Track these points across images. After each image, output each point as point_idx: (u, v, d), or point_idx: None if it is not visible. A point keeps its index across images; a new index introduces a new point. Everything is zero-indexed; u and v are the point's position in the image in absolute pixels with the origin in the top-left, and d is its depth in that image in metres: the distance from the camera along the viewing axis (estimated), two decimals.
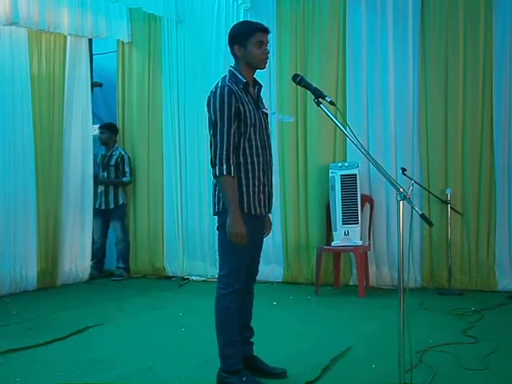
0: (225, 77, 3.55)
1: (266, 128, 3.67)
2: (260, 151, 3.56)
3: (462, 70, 6.61)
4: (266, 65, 3.62)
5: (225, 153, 3.39)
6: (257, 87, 3.66)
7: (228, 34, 3.63)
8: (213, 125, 3.44)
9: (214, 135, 3.43)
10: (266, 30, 3.56)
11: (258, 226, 3.67)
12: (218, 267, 3.73)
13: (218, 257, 3.71)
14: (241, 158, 3.48)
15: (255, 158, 3.53)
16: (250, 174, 3.51)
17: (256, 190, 3.55)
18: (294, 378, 3.82)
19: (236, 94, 3.44)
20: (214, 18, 7.63)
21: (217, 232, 3.64)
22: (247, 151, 3.50)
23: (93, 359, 4.30)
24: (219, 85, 3.47)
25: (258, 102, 3.64)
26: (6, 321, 5.49)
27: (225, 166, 3.39)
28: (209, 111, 3.47)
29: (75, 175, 7.64)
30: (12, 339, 4.79)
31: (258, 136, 3.55)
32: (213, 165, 3.44)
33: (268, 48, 3.58)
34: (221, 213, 3.53)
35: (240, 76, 3.54)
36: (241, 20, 7.34)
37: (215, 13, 7.63)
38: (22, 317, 5.67)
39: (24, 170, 6.95)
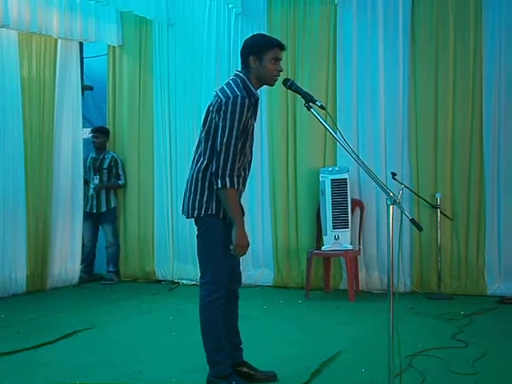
0: (237, 82, 3.49)
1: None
2: (247, 166, 3.59)
3: (452, 73, 6.64)
4: (275, 83, 3.60)
5: (230, 165, 3.37)
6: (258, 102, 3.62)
7: (244, 42, 3.60)
8: (221, 133, 3.37)
9: (221, 144, 3.36)
10: (283, 48, 3.56)
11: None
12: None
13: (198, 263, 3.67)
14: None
15: (242, 172, 3.54)
16: (236, 186, 3.47)
17: (239, 199, 3.56)
18: (284, 382, 3.82)
19: (250, 108, 3.42)
20: (205, 21, 7.63)
21: (196, 239, 3.63)
22: (238, 164, 3.48)
23: (82, 363, 4.29)
24: (238, 93, 3.39)
25: (255, 117, 3.61)
26: None
27: (230, 179, 3.37)
28: (220, 116, 3.39)
29: (65, 178, 7.62)
30: (1, 343, 4.76)
31: (248, 150, 3.56)
32: (215, 175, 3.39)
33: (282, 66, 3.56)
34: (202, 219, 3.52)
35: (253, 89, 3.51)
36: (232, 24, 7.44)
37: (206, 16, 7.63)
38: (11, 320, 5.65)
39: (13, 172, 6.92)
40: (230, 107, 3.36)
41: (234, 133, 3.36)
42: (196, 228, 3.64)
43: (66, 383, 3.85)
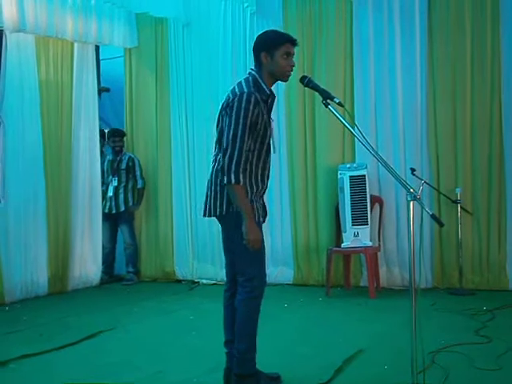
0: (247, 80, 3.49)
1: (271, 139, 3.65)
2: (266, 165, 3.59)
3: (469, 68, 6.58)
4: (289, 78, 3.60)
5: (235, 161, 3.36)
6: (271, 98, 3.60)
7: (256, 39, 3.60)
8: (227, 129, 3.39)
9: (227, 140, 3.38)
10: (294, 43, 3.55)
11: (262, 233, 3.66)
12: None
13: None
14: (247, 166, 3.46)
15: (260, 170, 3.54)
16: (254, 184, 3.51)
17: (258, 198, 3.56)
18: (307, 379, 3.82)
19: (259, 104, 3.42)
20: (221, 20, 7.63)
21: (224, 238, 3.65)
22: (254, 161, 3.49)
23: (104, 364, 4.31)
24: (245, 90, 3.40)
25: (270, 113, 3.61)
26: (17, 327, 5.50)
27: (235, 175, 3.37)
28: (227, 113, 3.41)
29: (83, 180, 7.66)
30: (24, 345, 4.80)
31: (265, 147, 3.55)
32: (223, 171, 3.40)
33: (294, 61, 3.56)
34: (225, 217, 3.54)
35: (264, 86, 3.51)
36: (248, 23, 7.43)
37: (221, 16, 7.63)
38: (34, 322, 5.69)
39: (33, 175, 6.97)
40: (235, 103, 3.38)
41: (240, 128, 3.36)
42: (221, 227, 3.66)
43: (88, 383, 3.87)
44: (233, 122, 3.38)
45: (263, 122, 3.48)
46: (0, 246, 6.59)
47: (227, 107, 3.43)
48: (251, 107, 3.37)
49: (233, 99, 3.41)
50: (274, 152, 3.68)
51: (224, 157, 3.39)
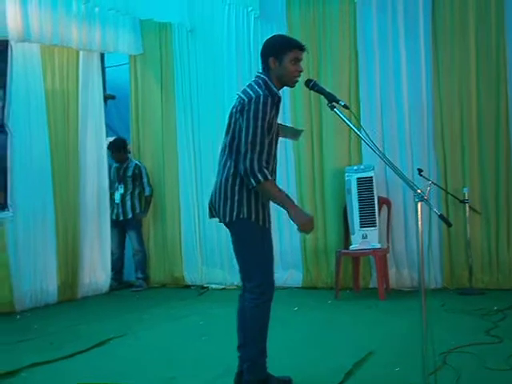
0: (259, 83, 3.48)
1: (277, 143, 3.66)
2: (274, 167, 3.60)
3: (474, 66, 6.57)
4: (296, 84, 3.60)
5: (257, 162, 3.34)
6: (279, 101, 3.60)
7: (264, 44, 3.60)
8: (245, 132, 3.36)
9: (246, 142, 3.35)
10: (303, 48, 3.55)
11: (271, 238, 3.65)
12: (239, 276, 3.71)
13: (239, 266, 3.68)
14: None
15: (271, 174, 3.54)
16: (269, 177, 3.45)
17: (266, 203, 3.56)
18: (317, 382, 3.82)
19: (273, 106, 3.42)
20: (225, 25, 7.63)
21: (233, 244, 3.65)
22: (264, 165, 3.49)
23: (115, 371, 4.31)
24: (261, 93, 3.39)
25: (277, 115, 3.60)
26: (28, 335, 5.52)
27: (262, 174, 3.35)
28: (243, 116, 3.38)
29: (91, 188, 7.68)
30: (34, 353, 4.80)
31: (273, 151, 3.55)
32: (246, 176, 3.37)
33: (302, 67, 3.56)
34: (235, 223, 3.52)
35: (274, 88, 3.51)
36: (252, 27, 7.44)
37: (225, 21, 7.63)
38: (44, 331, 5.70)
39: (42, 184, 7.00)
40: (253, 106, 3.36)
41: (259, 131, 3.35)
42: (230, 233, 3.65)
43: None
44: (251, 124, 3.36)
45: (274, 124, 3.48)
46: (10, 254, 6.62)
47: (243, 110, 3.40)
48: (268, 109, 3.37)
49: (249, 101, 3.39)
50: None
51: (245, 160, 3.36)
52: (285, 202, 3.44)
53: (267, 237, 3.56)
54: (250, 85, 3.52)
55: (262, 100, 3.36)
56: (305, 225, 3.42)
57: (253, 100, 3.37)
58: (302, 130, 4.03)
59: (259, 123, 3.35)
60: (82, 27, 7.04)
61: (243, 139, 3.38)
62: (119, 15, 7.39)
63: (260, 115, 3.35)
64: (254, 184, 3.37)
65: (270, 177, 3.38)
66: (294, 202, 3.50)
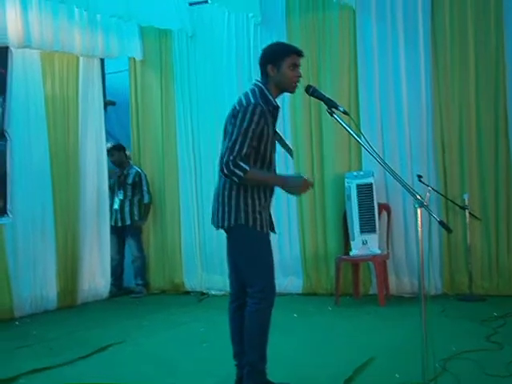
0: (254, 91, 3.50)
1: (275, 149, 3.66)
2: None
3: (473, 74, 6.59)
4: (295, 89, 3.61)
5: (232, 158, 3.33)
6: (276, 110, 3.62)
7: (262, 52, 3.61)
8: (229, 137, 3.39)
9: (226, 146, 3.38)
10: (301, 54, 3.56)
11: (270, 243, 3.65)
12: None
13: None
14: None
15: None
16: (262, 195, 3.51)
17: (265, 210, 3.56)
18: None
19: (265, 115, 3.43)
20: (225, 31, 7.65)
21: (231, 250, 3.66)
22: None
23: (115, 377, 4.30)
24: (252, 101, 3.41)
25: (275, 124, 3.62)
26: (27, 341, 5.51)
27: (239, 169, 3.34)
28: (232, 122, 3.42)
29: (91, 194, 7.67)
30: (34, 360, 4.80)
31: (270, 157, 3.55)
32: (227, 174, 3.37)
33: (301, 72, 3.57)
34: (232, 229, 3.53)
35: (270, 97, 3.52)
36: (252, 34, 7.45)
37: (225, 27, 7.65)
38: (43, 337, 5.69)
39: (41, 190, 6.99)
40: (240, 114, 3.39)
41: (247, 136, 3.36)
42: (227, 239, 3.65)
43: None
44: (235, 131, 3.38)
45: (268, 134, 3.48)
46: (9, 260, 6.61)
47: (232, 117, 3.45)
48: (256, 118, 3.38)
49: (238, 110, 3.42)
50: (292, 158, 3.88)
51: (222, 164, 3.38)
52: (274, 180, 3.54)
53: (266, 242, 3.56)
54: (245, 93, 3.53)
55: (250, 109, 3.38)
56: (296, 187, 3.50)
57: (242, 108, 3.40)
58: (292, 151, 4.03)
59: (242, 130, 3.36)
60: (83, 33, 7.05)
61: (225, 144, 3.42)
62: (120, 22, 7.40)
63: (245, 123, 3.37)
64: (238, 181, 3.39)
65: (248, 167, 3.37)
66: (282, 175, 3.62)
